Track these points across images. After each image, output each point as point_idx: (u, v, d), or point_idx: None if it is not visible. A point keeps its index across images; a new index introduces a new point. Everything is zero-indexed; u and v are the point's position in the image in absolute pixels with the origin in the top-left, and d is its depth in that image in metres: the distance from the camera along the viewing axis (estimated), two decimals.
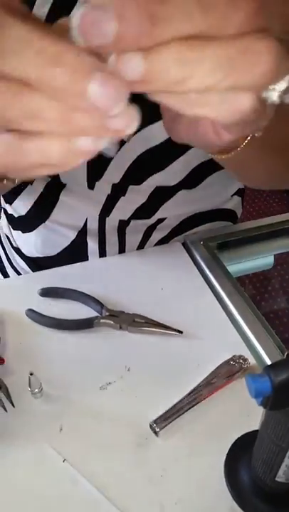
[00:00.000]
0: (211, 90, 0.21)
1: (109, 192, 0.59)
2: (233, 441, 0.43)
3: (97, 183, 0.58)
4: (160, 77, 0.20)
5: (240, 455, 0.42)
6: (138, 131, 0.40)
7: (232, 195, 0.72)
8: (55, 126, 0.21)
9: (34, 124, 0.21)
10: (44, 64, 0.19)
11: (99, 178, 0.58)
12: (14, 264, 0.73)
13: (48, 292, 0.59)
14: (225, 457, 0.42)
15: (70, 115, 0.21)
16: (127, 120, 0.21)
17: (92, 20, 0.18)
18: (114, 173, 0.57)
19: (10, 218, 0.69)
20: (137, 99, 0.21)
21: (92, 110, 0.20)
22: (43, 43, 0.19)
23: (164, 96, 0.22)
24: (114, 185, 0.58)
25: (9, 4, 0.21)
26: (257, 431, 0.38)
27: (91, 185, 0.58)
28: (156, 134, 0.52)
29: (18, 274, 0.73)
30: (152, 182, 0.58)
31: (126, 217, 0.62)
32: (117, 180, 0.58)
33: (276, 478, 0.37)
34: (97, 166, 0.57)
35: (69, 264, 0.64)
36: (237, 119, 0.23)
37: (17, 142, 0.22)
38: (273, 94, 0.23)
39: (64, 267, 0.64)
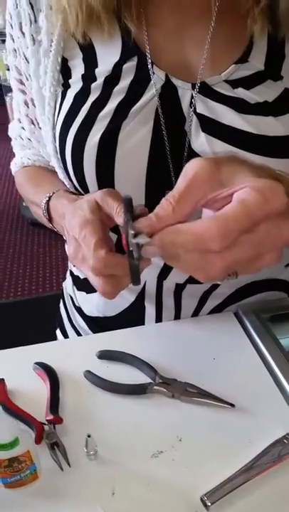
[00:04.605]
0: None
1: None
2: None
3: None
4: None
5: None
6: None
7: (285, 266, 0.74)
8: None
9: None
10: None
11: None
12: (74, 323, 0.77)
13: (105, 355, 0.62)
14: None
15: None
16: None
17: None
18: None
19: (75, 279, 0.74)
20: None
21: None
22: None
23: None
24: None
25: None
26: None
27: None
28: None
29: (78, 334, 0.77)
30: None
31: (182, 281, 0.65)
32: None
33: None
34: None
35: (126, 325, 0.67)
36: None
37: None
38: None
39: (121, 330, 0.67)
